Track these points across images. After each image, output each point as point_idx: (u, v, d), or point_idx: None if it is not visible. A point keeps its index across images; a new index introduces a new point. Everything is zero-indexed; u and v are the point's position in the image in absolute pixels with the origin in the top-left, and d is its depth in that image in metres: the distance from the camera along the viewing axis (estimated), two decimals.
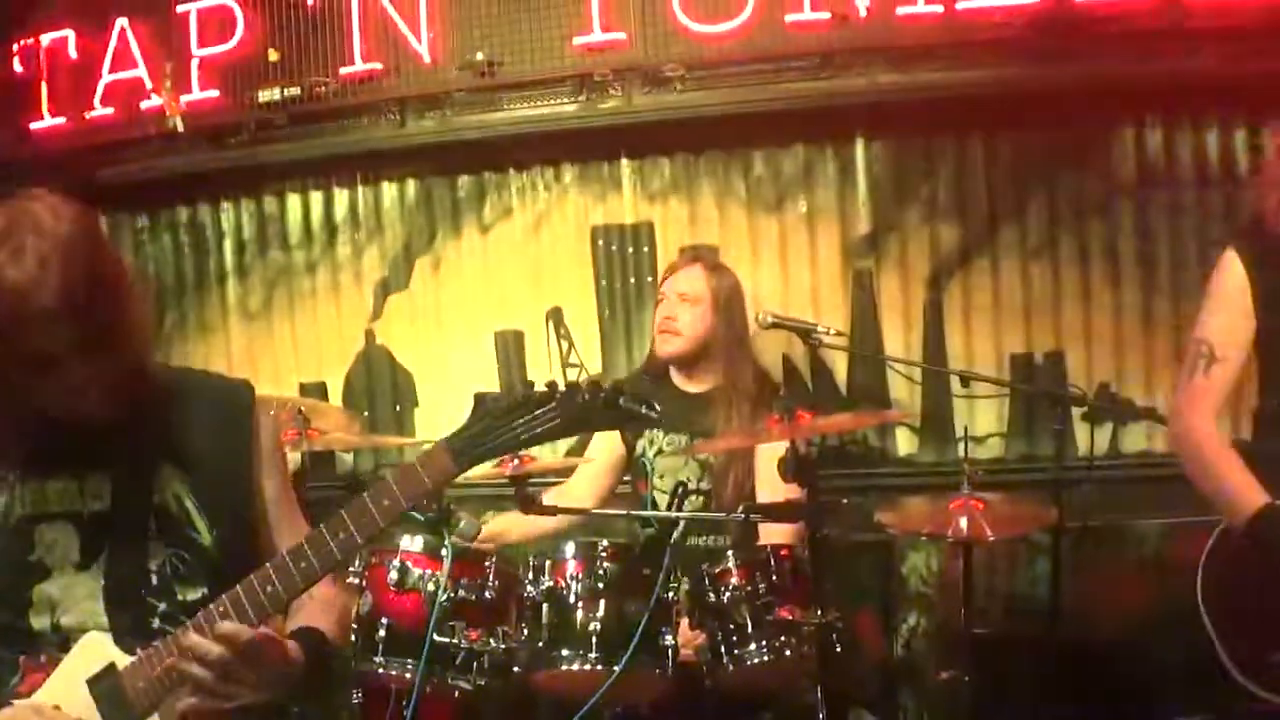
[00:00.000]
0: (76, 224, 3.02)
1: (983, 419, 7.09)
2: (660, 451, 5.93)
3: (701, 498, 5.86)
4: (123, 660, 3.09)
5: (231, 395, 3.49)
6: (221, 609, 3.03)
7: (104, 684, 3.07)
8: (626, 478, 6.24)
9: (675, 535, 5.14)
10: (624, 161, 7.46)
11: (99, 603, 3.19)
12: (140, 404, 3.21)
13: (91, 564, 3.21)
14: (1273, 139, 4.22)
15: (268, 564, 3.07)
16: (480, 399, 2.86)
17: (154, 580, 3.23)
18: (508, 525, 5.96)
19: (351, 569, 5.18)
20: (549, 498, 5.94)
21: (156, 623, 3.19)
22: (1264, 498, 4.06)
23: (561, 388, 3.05)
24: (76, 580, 3.20)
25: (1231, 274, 4.16)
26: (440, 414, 7.58)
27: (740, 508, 5.19)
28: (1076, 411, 6.85)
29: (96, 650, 3.11)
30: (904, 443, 7.25)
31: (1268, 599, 4.04)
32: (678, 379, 6.01)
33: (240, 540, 3.34)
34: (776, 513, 5.17)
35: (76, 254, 2.96)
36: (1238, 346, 4.17)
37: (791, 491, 5.04)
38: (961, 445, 6.14)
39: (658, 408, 3.14)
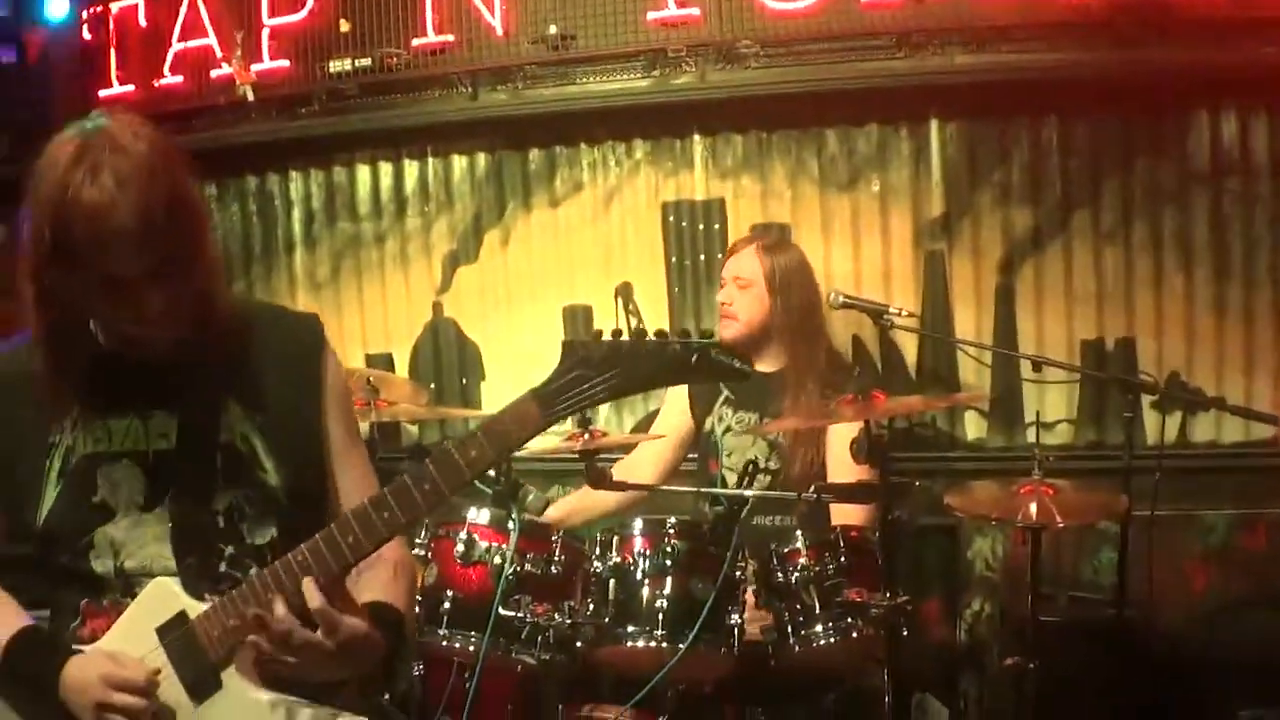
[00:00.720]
0: (155, 145, 2.98)
1: (1053, 405, 7.02)
2: (729, 429, 5.92)
3: (770, 477, 5.84)
4: (191, 606, 3.06)
5: (301, 330, 3.46)
6: (300, 558, 2.98)
7: (175, 633, 3.05)
8: (692, 455, 6.22)
9: (744, 514, 5.13)
10: (696, 137, 7.40)
11: (165, 546, 3.16)
12: (209, 339, 3.17)
13: (156, 506, 3.18)
14: None
15: (348, 512, 3.03)
16: (570, 346, 2.76)
17: (220, 523, 3.20)
18: (570, 509, 5.96)
19: (417, 540, 5.18)
20: (615, 473, 5.91)
21: (223, 566, 3.16)
22: None
23: (652, 336, 2.97)
24: (141, 522, 3.17)
25: None
26: (507, 388, 7.51)
27: (811, 488, 5.17)
28: (1146, 400, 6.82)
29: (164, 596, 3.08)
30: (973, 427, 7.19)
31: None
32: (749, 357, 5.98)
33: (309, 482, 3.32)
34: (847, 493, 5.15)
35: (156, 175, 2.92)
36: None
37: (863, 473, 5.02)
38: (1032, 430, 6.12)
39: (750, 363, 3.09)
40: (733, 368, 3.03)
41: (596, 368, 2.93)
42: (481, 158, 7.72)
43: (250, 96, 7.53)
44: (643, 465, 6.14)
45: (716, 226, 7.35)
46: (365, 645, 3.05)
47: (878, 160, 7.23)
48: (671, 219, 7.45)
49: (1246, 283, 6.85)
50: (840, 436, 5.48)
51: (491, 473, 4.62)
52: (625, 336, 2.95)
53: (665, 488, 5.87)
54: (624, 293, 7.17)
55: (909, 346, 7.14)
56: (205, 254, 3.11)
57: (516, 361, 7.60)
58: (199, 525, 3.19)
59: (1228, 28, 6.65)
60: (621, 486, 5.41)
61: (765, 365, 5.96)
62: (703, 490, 5.79)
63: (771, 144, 7.33)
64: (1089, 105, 7.00)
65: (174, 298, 3.00)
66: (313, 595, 2.91)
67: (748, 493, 5.18)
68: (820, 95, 7.16)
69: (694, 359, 2.96)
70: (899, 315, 6.02)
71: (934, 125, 7.20)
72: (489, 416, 3.01)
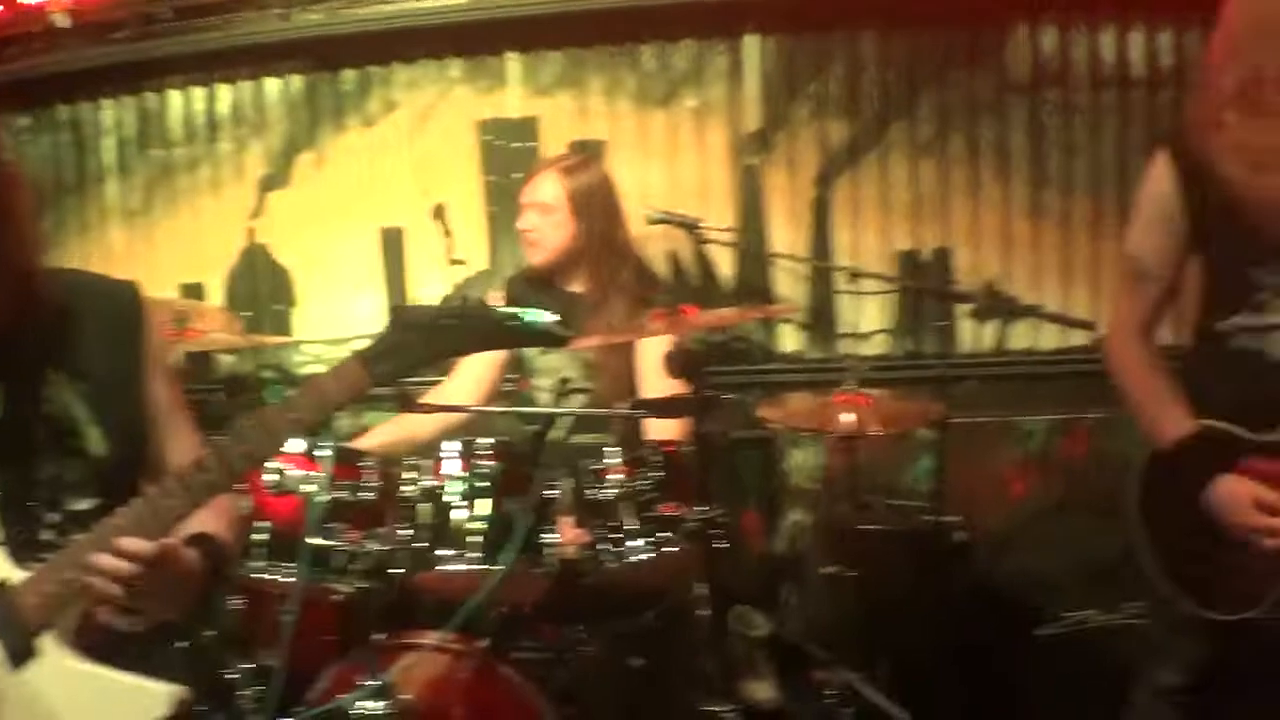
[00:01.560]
0: None
1: (869, 316, 7.09)
2: (542, 350, 5.89)
3: (584, 395, 5.83)
4: (12, 575, 3.04)
5: (120, 297, 3.42)
6: (120, 521, 2.97)
7: None
8: (511, 375, 6.20)
9: (558, 432, 5.11)
10: (511, 55, 7.35)
11: None
12: (28, 310, 3.15)
13: None
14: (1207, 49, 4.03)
15: (168, 476, 3.02)
16: (398, 311, 2.83)
17: (44, 492, 3.17)
18: (389, 438, 5.90)
19: None
20: (429, 398, 5.87)
21: (46, 535, 3.13)
22: (1182, 428, 4.03)
23: (475, 304, 2.99)
24: None
25: (1162, 182, 4.03)
26: (320, 313, 7.54)
27: (624, 403, 5.17)
28: (963, 309, 6.89)
29: None
30: (789, 339, 7.22)
31: (1190, 513, 4.00)
32: (558, 279, 5.95)
33: (132, 449, 3.30)
34: (660, 408, 5.14)
35: None
36: (1166, 261, 4.08)
37: (676, 388, 5.01)
38: (848, 342, 6.16)
39: (570, 328, 3.10)
40: (553, 333, 3.05)
41: (422, 333, 2.94)
42: (295, 80, 7.59)
43: (64, 23, 7.36)
44: (461, 388, 6.10)
45: (532, 144, 7.30)
46: (178, 565, 3.05)
47: (694, 76, 7.21)
48: (487, 138, 7.38)
49: (1063, 191, 6.94)
50: (652, 352, 5.47)
51: None
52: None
53: (477, 408, 5.83)
54: (439, 214, 7.10)
55: (725, 261, 7.15)
56: (18, 230, 3.07)
57: (329, 287, 7.54)
58: (22, 495, 3.16)
59: None
60: (431, 409, 5.37)
61: (574, 286, 5.93)
62: (515, 410, 5.76)
63: (587, 61, 7.29)
64: (906, 17, 7.03)
65: None
66: (129, 543, 2.90)
67: (559, 411, 5.18)
68: (636, 11, 7.14)
69: (515, 326, 2.98)
70: (714, 230, 6.00)
71: (750, 40, 7.19)
72: (313, 376, 3.00)
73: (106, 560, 2.89)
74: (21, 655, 3.00)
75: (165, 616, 3.12)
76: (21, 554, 3.07)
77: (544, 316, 3.05)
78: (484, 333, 2.99)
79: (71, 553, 2.98)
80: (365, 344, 3.00)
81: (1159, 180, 4.04)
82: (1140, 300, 4.12)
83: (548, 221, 5.83)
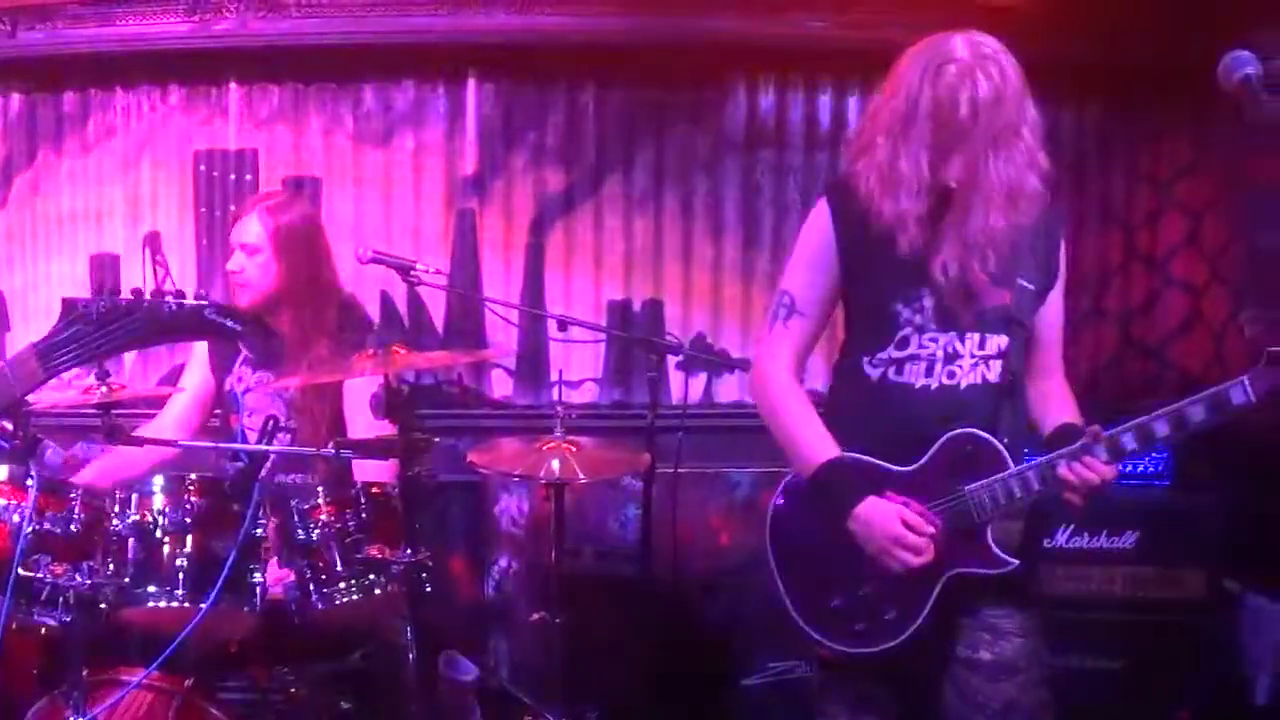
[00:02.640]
0: None
1: (579, 364, 7.16)
2: (248, 389, 5.83)
3: (291, 434, 5.77)
4: None
5: None
6: None
7: None
8: (218, 411, 6.12)
9: (265, 471, 5.06)
10: (233, 86, 7.27)
11: None
12: None
13: None
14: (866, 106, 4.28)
15: None
16: (69, 304, 2.80)
17: None
18: (101, 469, 5.79)
19: None
20: (142, 432, 5.77)
21: None
22: (832, 452, 4.09)
23: (148, 296, 2.96)
24: None
25: (818, 226, 4.18)
26: (32, 338, 7.27)
27: (331, 444, 5.14)
28: (672, 360, 6.98)
29: None
30: (500, 385, 7.27)
31: (830, 547, 4.13)
32: (266, 318, 5.89)
33: None
34: (366, 449, 5.12)
35: None
36: (818, 300, 4.20)
37: (384, 429, 5.00)
38: (556, 389, 6.19)
39: (241, 322, 3.08)
40: (224, 326, 3.05)
41: (95, 324, 2.91)
42: (15, 99, 7.40)
43: None
44: (168, 423, 6.01)
45: (249, 177, 7.23)
46: None
47: (414, 117, 7.23)
48: (203, 169, 7.29)
49: (774, 250, 7.09)
50: (360, 392, 5.45)
51: (9, 426, 4.47)
52: (143, 292, 2.93)
53: (186, 444, 5.74)
54: (151, 243, 7.00)
55: (438, 304, 7.15)
56: None
57: (44, 313, 7.33)
58: None
59: (765, 2, 6.89)
60: (138, 441, 5.26)
61: (280, 324, 5.86)
62: (223, 446, 5.69)
63: (308, 96, 7.26)
64: (627, 72, 7.13)
65: None
66: None
67: (267, 449, 5.12)
68: (359, 49, 7.13)
69: (186, 317, 2.96)
70: (427, 272, 5.99)
71: (472, 84, 7.21)
72: None
73: None
74: None
75: None
76: None
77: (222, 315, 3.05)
78: (153, 324, 2.97)
79: None
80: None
81: (817, 221, 4.19)
82: (791, 336, 4.22)
83: (254, 262, 5.74)
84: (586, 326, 6.60)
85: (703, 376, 7.21)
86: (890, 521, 3.99)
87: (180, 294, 2.98)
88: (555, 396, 6.49)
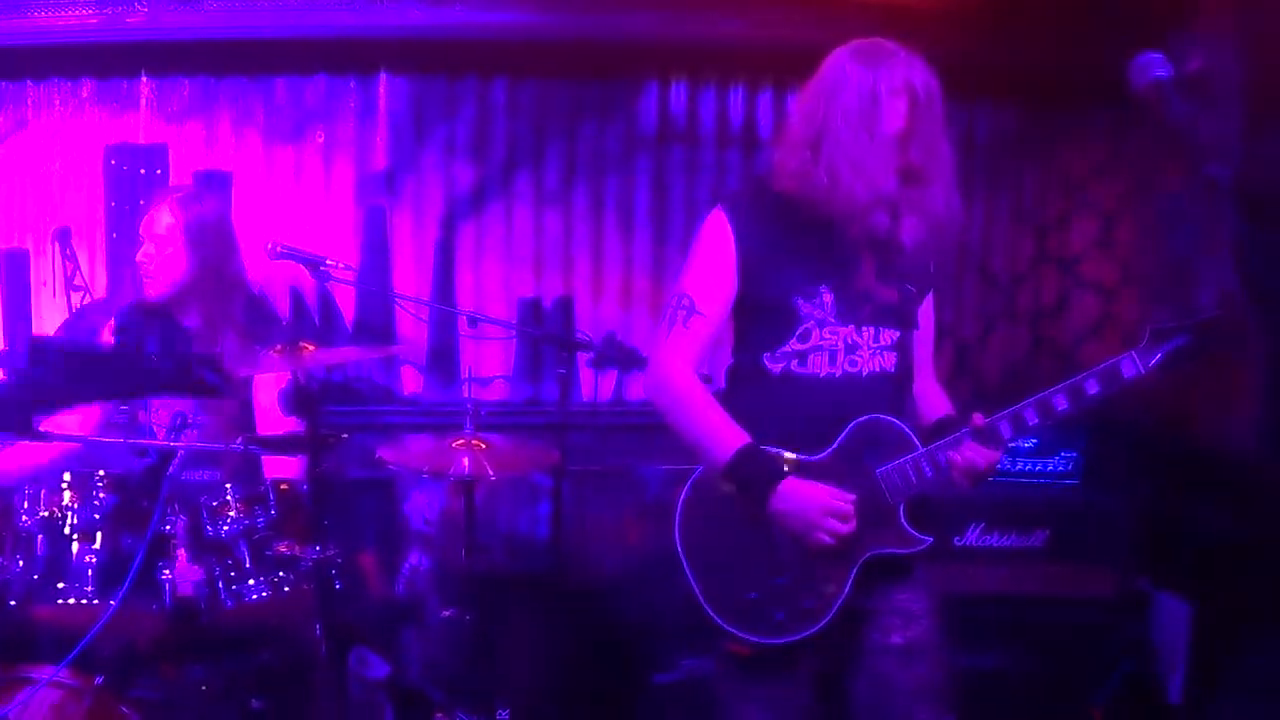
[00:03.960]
0: None
1: (489, 361, 7.15)
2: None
3: (200, 430, 5.72)
4: None
5: None
6: None
7: None
8: (123, 406, 6.06)
9: (173, 467, 5.02)
10: (144, 79, 7.20)
11: None
12: None
13: None
14: (797, 104, 4.33)
15: None
16: (39, 346, 2.73)
17: None
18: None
19: None
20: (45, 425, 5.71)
21: None
22: (743, 439, 4.13)
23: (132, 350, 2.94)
24: None
25: (717, 231, 4.23)
26: None
27: (238, 439, 5.11)
28: (582, 358, 6.97)
29: None
30: (410, 382, 7.25)
31: (742, 540, 4.16)
32: (174, 310, 5.84)
33: None
34: (274, 445, 5.09)
35: None
36: (718, 302, 4.24)
37: (292, 425, 4.98)
38: (467, 385, 6.17)
39: (222, 374, 3.06)
40: (211, 384, 3.03)
41: (65, 375, 2.89)
42: None
43: None
44: (70, 417, 5.94)
45: (159, 171, 7.15)
46: None
47: (324, 111, 7.20)
48: (114, 163, 7.21)
49: (685, 246, 7.06)
50: (268, 388, 5.43)
51: None
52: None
53: (93, 438, 5.68)
54: (61, 237, 6.94)
55: (347, 300, 7.13)
56: None
57: None
58: None
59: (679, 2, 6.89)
60: (45, 436, 5.22)
61: (188, 318, 5.82)
62: (130, 442, 5.64)
63: (219, 90, 7.21)
64: (539, 67, 7.13)
65: None
66: None
67: (173, 445, 5.08)
68: (270, 43, 7.06)
69: (173, 373, 2.95)
70: (337, 267, 5.96)
71: (383, 79, 7.19)
72: None
73: None
74: None
75: None
76: None
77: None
78: (133, 380, 2.95)
79: None
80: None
81: (716, 228, 4.23)
82: (692, 336, 4.25)
83: (163, 254, 5.70)
84: (497, 324, 6.60)
85: (614, 375, 7.20)
86: (817, 492, 4.06)
87: (170, 350, 2.99)
88: (465, 393, 6.47)
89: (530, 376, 7.20)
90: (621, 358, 7.04)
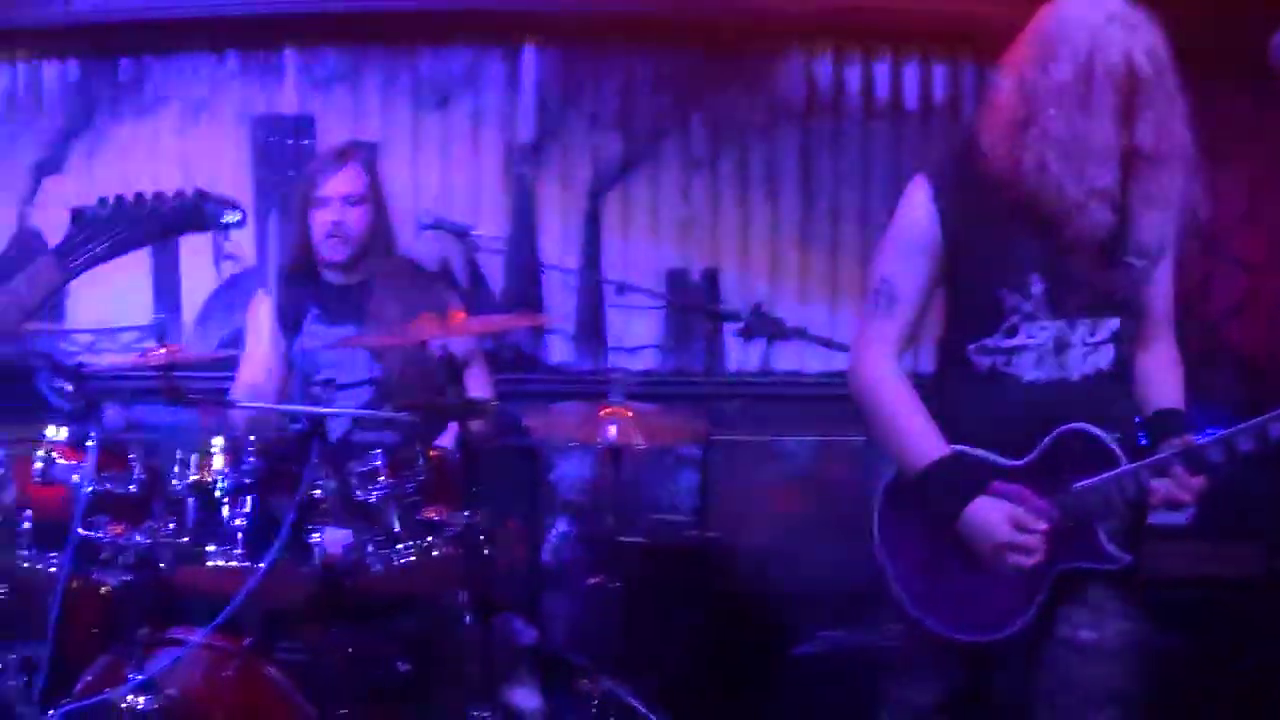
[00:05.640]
0: None
1: (636, 330, 7.16)
2: (323, 345, 5.83)
3: (368, 388, 5.78)
4: None
5: None
6: None
7: None
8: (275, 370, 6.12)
9: (325, 431, 5.08)
10: (288, 51, 7.28)
11: None
12: None
13: None
14: (1003, 75, 4.08)
15: None
16: (78, 212, 2.93)
17: None
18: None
19: None
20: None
21: None
22: (940, 449, 3.97)
23: (149, 197, 3.04)
24: None
25: (918, 209, 4.00)
26: (90, 302, 7.29)
27: (390, 406, 5.16)
28: (730, 328, 6.96)
29: None
30: (557, 350, 7.27)
31: (940, 540, 4.06)
32: (330, 273, 5.88)
33: None
34: (426, 413, 5.14)
35: None
36: (919, 288, 4.03)
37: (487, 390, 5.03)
38: (614, 355, 6.19)
39: (238, 205, 3.15)
40: (222, 219, 3.11)
41: (104, 224, 2.99)
42: (72, 65, 7.40)
43: None
44: (244, 382, 6.01)
45: (306, 142, 7.24)
46: None
47: (471, 82, 7.22)
48: (260, 133, 7.30)
49: (832, 217, 7.05)
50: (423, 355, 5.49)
51: (70, 388, 4.50)
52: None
53: (248, 404, 5.74)
54: None
55: (496, 270, 7.15)
56: None
57: (101, 276, 7.26)
58: None
59: None
60: (201, 402, 5.30)
61: (351, 277, 5.86)
62: (283, 408, 5.70)
63: (365, 60, 7.26)
64: (685, 38, 7.10)
65: None
66: None
67: (328, 410, 5.14)
68: (416, 14, 7.12)
69: (188, 209, 3.04)
70: (484, 237, 5.99)
71: (529, 50, 7.20)
72: (8, 282, 3.02)
73: None
74: None
75: None
76: None
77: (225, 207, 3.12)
78: (157, 219, 3.03)
79: None
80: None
81: (915, 207, 4.01)
82: (892, 324, 4.05)
83: (354, 214, 5.75)
84: (644, 293, 6.60)
85: (760, 344, 7.18)
86: (1000, 526, 3.87)
87: (180, 191, 3.07)
88: (612, 363, 6.49)
89: (677, 346, 7.19)
90: (768, 328, 7.02)
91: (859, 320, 4.20)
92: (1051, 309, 3.92)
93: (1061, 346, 3.95)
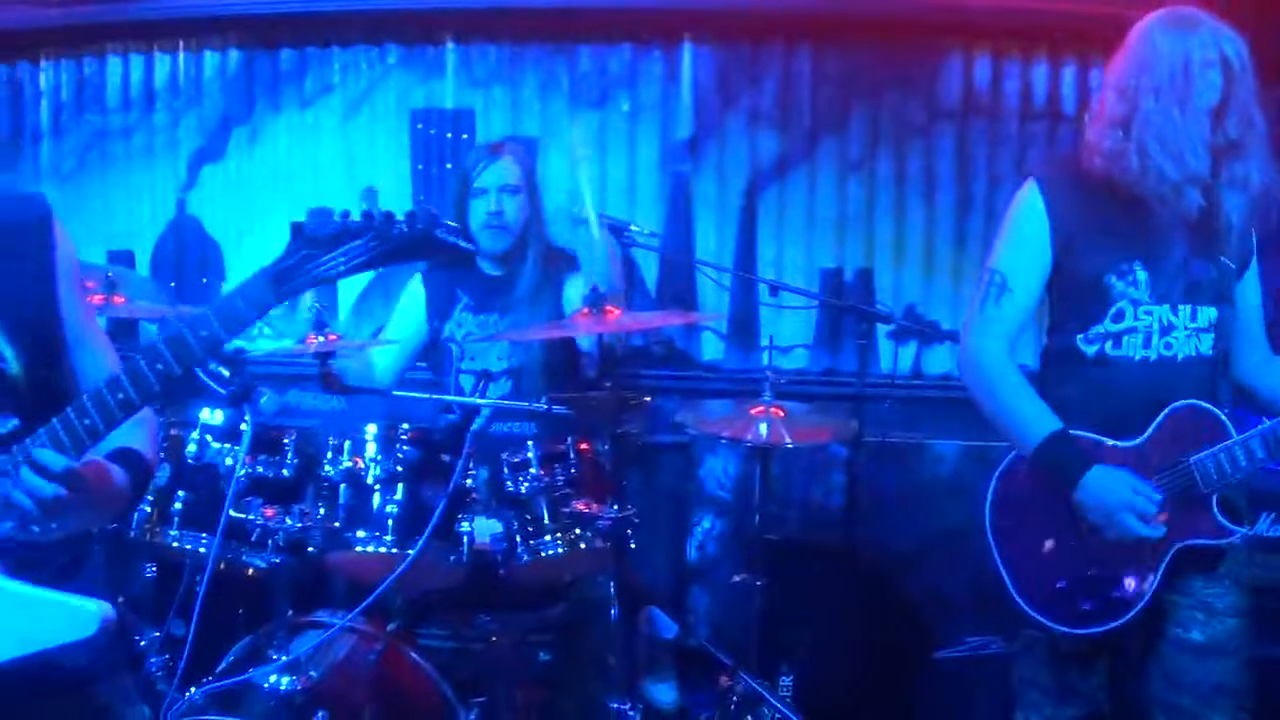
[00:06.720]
0: None
1: (789, 329, 7.15)
2: (470, 334, 5.87)
3: (511, 380, 5.82)
4: None
5: (28, 211, 3.32)
6: (39, 444, 2.94)
7: None
8: (421, 363, 6.18)
9: (477, 422, 5.13)
10: (450, 46, 7.36)
11: None
12: None
13: None
14: (1108, 77, 4.26)
15: (84, 395, 2.98)
16: (298, 227, 2.79)
17: None
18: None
19: None
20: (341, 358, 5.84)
21: None
22: (1054, 424, 4.09)
23: (379, 216, 2.97)
24: None
25: (1029, 206, 4.19)
26: None
27: (541, 398, 5.19)
28: (882, 330, 6.96)
29: None
30: (709, 348, 7.29)
31: (1053, 528, 4.12)
32: (483, 262, 5.93)
33: (47, 366, 3.22)
34: (578, 406, 5.16)
35: None
36: (1030, 279, 4.20)
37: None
38: (766, 353, 6.19)
39: (472, 243, 3.10)
40: (456, 246, 3.04)
41: (325, 247, 2.93)
42: (234, 54, 7.56)
43: None
44: (381, 370, 6.08)
45: (465, 136, 7.31)
46: (99, 481, 3.04)
47: (629, 79, 7.26)
48: (420, 126, 7.39)
49: (988, 221, 7.00)
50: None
51: (225, 373, 4.55)
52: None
53: (400, 393, 5.81)
54: (368, 198, 7.12)
55: (650, 265, 7.19)
56: None
57: (258, 261, 7.40)
58: None
59: None
60: (354, 390, 5.36)
61: (500, 268, 5.89)
62: (436, 397, 5.76)
63: (525, 57, 7.32)
64: (843, 37, 7.09)
65: None
66: (52, 460, 2.89)
67: (479, 401, 5.18)
68: (576, 11, 7.18)
69: (418, 236, 2.97)
70: (641, 233, 6.01)
71: (687, 48, 7.23)
72: (223, 295, 2.99)
73: (27, 479, 2.88)
74: None
75: (82, 528, 3.15)
76: None
77: (454, 235, 3.05)
78: (383, 244, 2.97)
79: None
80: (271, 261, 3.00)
81: (1028, 203, 4.19)
82: (1003, 314, 4.21)
83: (513, 203, 5.80)
84: (798, 293, 6.60)
85: (913, 347, 7.17)
86: (1121, 486, 4.00)
87: (411, 215, 2.98)
88: (765, 361, 6.50)
89: (829, 346, 7.18)
90: (921, 330, 7.00)
91: (971, 310, 4.33)
92: (1155, 295, 4.09)
93: (1167, 329, 4.10)
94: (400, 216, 2.98)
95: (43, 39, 7.69)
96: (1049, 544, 4.15)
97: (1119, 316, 4.11)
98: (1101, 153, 4.09)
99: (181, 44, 7.60)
